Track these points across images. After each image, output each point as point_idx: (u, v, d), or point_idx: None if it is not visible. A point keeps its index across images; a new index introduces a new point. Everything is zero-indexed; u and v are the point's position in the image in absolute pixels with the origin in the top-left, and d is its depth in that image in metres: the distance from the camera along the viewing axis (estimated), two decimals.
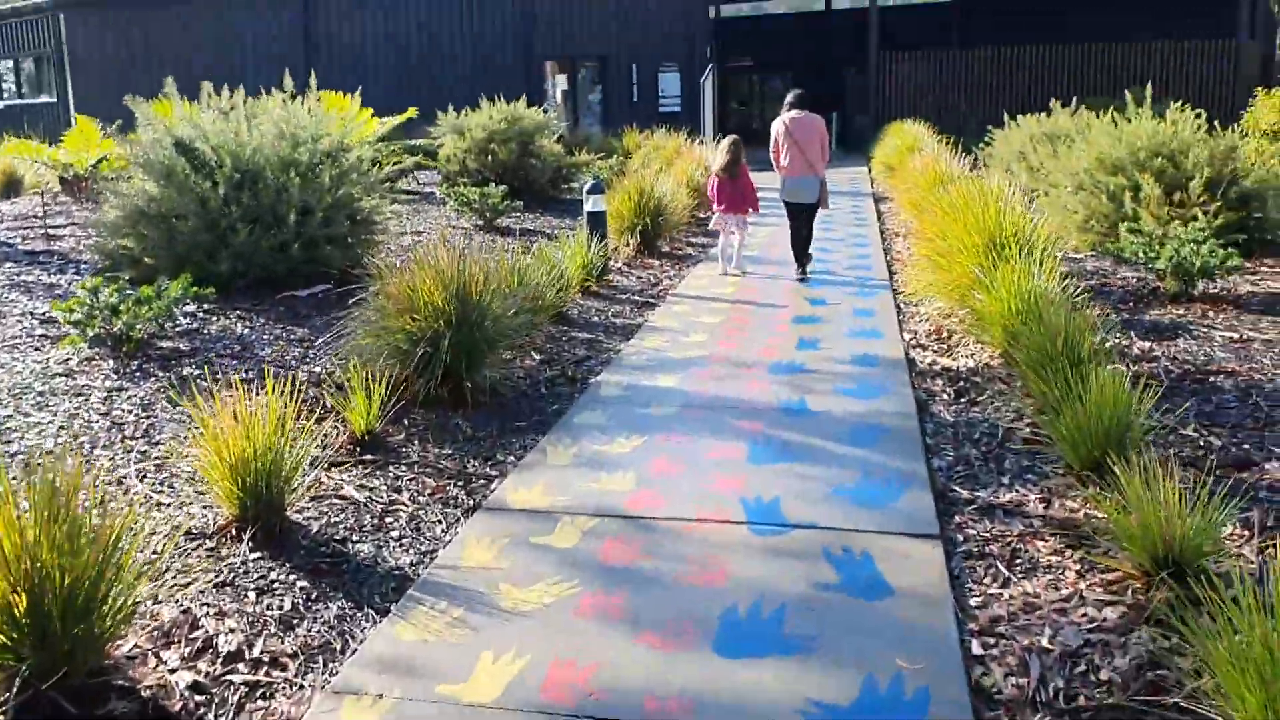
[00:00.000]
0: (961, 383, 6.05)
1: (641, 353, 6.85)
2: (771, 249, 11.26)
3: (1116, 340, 6.43)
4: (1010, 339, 6.10)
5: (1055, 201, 10.74)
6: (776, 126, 9.62)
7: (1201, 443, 4.80)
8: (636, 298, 8.77)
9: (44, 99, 25.70)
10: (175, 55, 25.46)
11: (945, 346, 6.92)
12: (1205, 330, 6.76)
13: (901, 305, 8.29)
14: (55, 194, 13.54)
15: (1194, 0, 33.62)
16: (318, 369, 6.07)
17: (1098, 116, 15.28)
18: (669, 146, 20.10)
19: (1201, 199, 9.43)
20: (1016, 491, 4.44)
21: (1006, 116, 16.20)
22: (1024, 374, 5.52)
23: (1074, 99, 28.70)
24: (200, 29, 25.86)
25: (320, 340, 6.48)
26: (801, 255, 9.63)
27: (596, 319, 7.91)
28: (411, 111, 15.35)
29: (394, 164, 14.23)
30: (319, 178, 8.38)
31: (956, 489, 4.48)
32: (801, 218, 9.60)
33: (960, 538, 4.02)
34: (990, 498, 4.38)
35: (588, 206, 9.08)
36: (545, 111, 28.18)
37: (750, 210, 9.91)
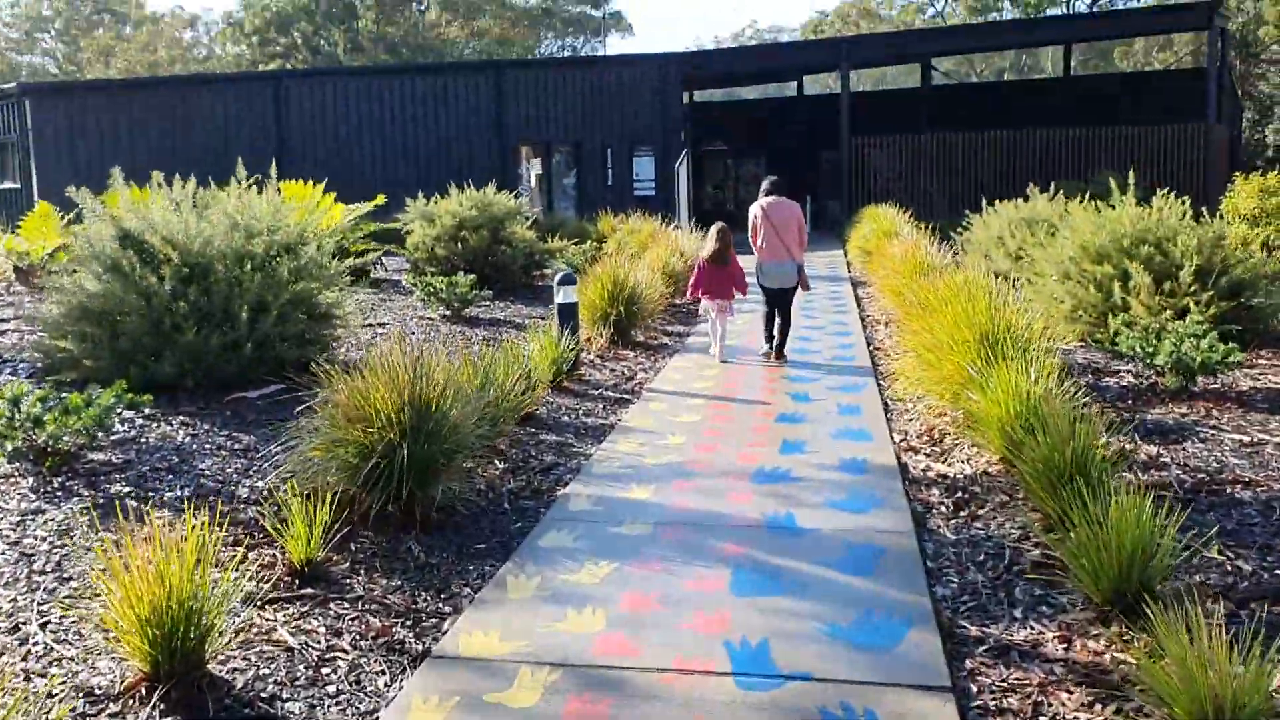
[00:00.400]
0: (960, 493, 5.61)
1: (614, 458, 6.39)
2: (752, 336, 10.89)
3: (1120, 444, 6.03)
4: (1011, 445, 5.69)
5: (1041, 290, 10.44)
6: (754, 211, 9.78)
7: (1229, 567, 4.36)
8: (610, 393, 8.33)
9: (8, 185, 25.29)
10: (143, 142, 25.20)
11: (939, 450, 6.50)
12: (1213, 432, 6.37)
13: (889, 401, 7.89)
14: (9, 284, 13.07)
15: (1162, 85, 34.22)
16: (261, 483, 5.58)
17: (1077, 201, 15.18)
18: (644, 231, 19.87)
19: (1192, 288, 9.14)
20: (1031, 628, 3.97)
21: (984, 201, 16.03)
22: (1028, 486, 5.10)
23: (1048, 183, 28.94)
24: (169, 115, 25.64)
25: (267, 450, 5.99)
26: (779, 338, 9.67)
27: (567, 418, 7.46)
28: (379, 199, 15.04)
29: (359, 253, 13.88)
30: (275, 272, 7.97)
31: (965, 625, 4.02)
32: (779, 302, 9.70)
33: (974, 688, 3.54)
34: (1004, 636, 3.92)
35: (558, 298, 8.68)
36: (518, 196, 28.13)
37: (738, 293, 9.87)
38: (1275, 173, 14.59)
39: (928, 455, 6.41)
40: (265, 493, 5.42)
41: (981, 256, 15.13)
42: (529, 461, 6.36)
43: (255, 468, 5.83)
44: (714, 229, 10.00)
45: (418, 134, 27.11)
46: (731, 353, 9.95)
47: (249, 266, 7.69)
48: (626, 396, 8.23)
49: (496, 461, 6.19)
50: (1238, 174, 15.71)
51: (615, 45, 62.80)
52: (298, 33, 63.36)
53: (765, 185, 9.98)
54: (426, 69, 27.67)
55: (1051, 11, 51.46)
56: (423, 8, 65.17)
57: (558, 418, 7.45)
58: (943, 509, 5.41)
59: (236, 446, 6.24)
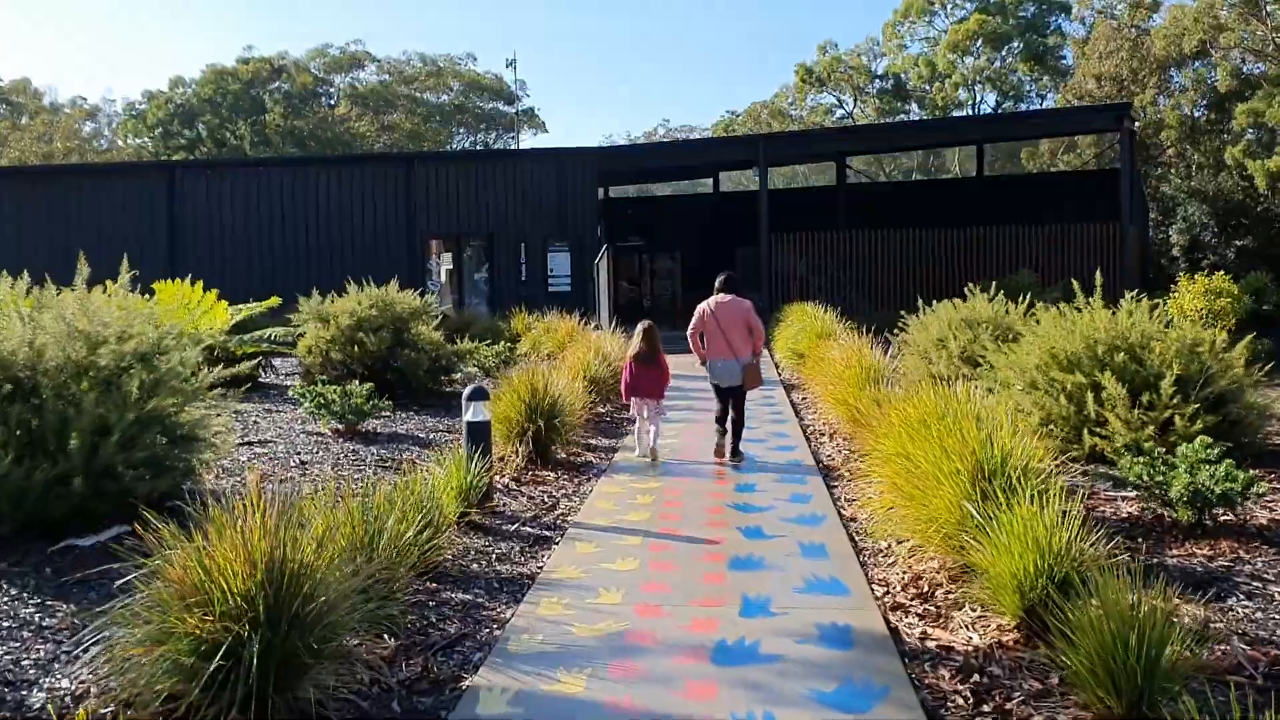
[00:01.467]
0: (977, 676, 4.44)
1: (535, 628, 5.10)
2: (687, 451, 9.73)
3: (1156, 602, 4.94)
4: (1032, 610, 4.58)
5: (1004, 401, 9.47)
6: (701, 309, 9.73)
7: None
8: (529, 529, 7.05)
9: None
10: (28, 236, 23.48)
11: (934, 609, 5.34)
12: (1256, 585, 5.33)
13: (856, 537, 6.74)
14: None
15: (1075, 186, 34.53)
16: (66, 683, 4.17)
17: (1002, 299, 14.48)
18: (561, 330, 18.78)
19: (1174, 400, 8.26)
20: None
21: (917, 299, 15.25)
22: (1077, 675, 3.96)
23: (968, 281, 28.66)
24: (55, 209, 24.00)
25: (88, 629, 4.58)
26: (731, 438, 9.53)
27: (477, 566, 6.15)
28: (273, 300, 13.68)
29: (243, 357, 12.48)
30: (124, 387, 6.59)
31: None
32: (728, 401, 9.64)
33: None
34: None
35: (468, 415, 7.42)
36: (428, 292, 26.89)
37: (660, 396, 9.79)
38: (1220, 273, 14.08)
39: (921, 617, 5.24)
40: (68, 700, 4.02)
41: (921, 359, 14.27)
42: (428, 633, 5.04)
43: (63, 657, 4.42)
44: (640, 328, 9.92)
45: (324, 229, 25.80)
46: (667, 468, 8.78)
47: (85, 383, 6.31)
48: (548, 534, 6.95)
49: (386, 636, 4.85)
50: (1183, 275, 15.17)
51: (528, 142, 62.60)
52: (203, 125, 61.84)
53: (719, 282, 9.86)
54: (333, 161, 26.54)
55: (960, 114, 52.54)
56: (332, 102, 64.24)
57: (466, 566, 6.14)
58: (960, 702, 4.22)
59: (47, 622, 4.82)
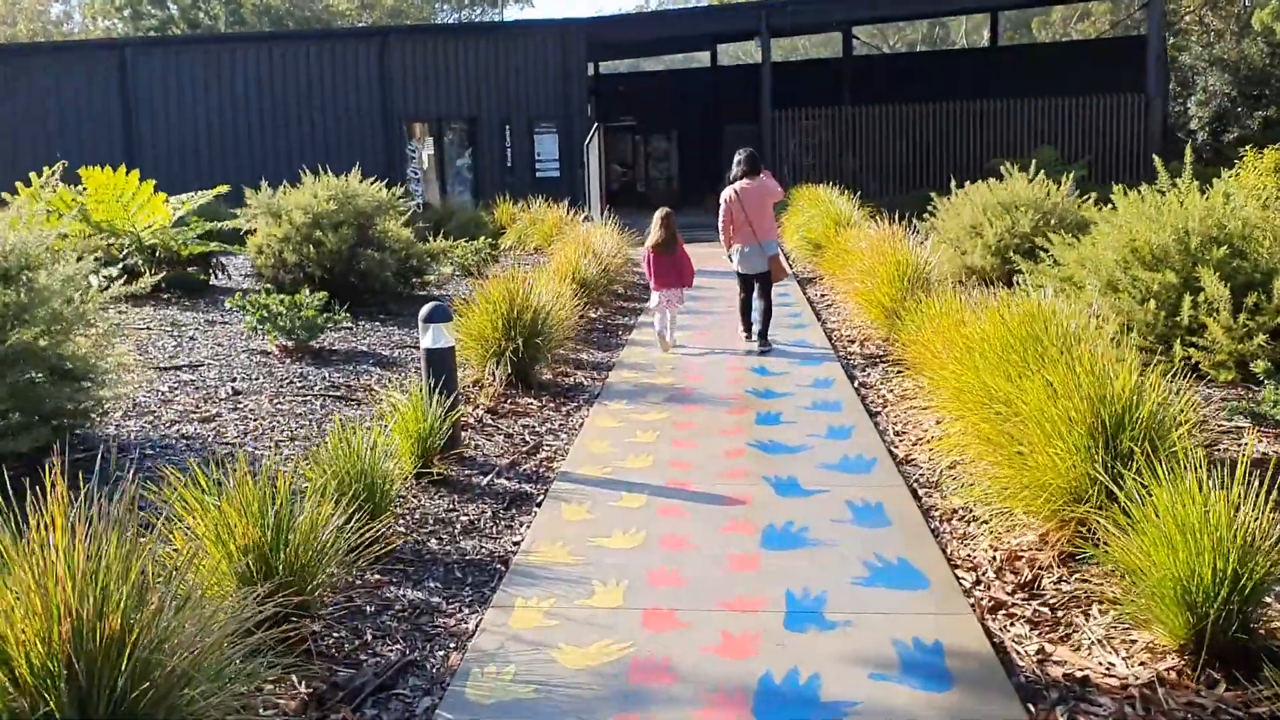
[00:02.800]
0: None
1: (506, 653, 3.70)
2: (693, 369, 8.29)
3: None
4: (1201, 631, 3.20)
5: (1078, 304, 7.99)
6: (727, 197, 9.22)
7: None
8: (505, 481, 5.63)
9: None
10: None
11: (1046, 610, 3.94)
12: None
13: (919, 490, 5.33)
14: None
15: (1094, 56, 32.44)
16: None
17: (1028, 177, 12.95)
18: (548, 221, 17.18)
19: None
20: None
21: (953, 183, 13.64)
22: None
23: (984, 158, 26.88)
24: (5, 93, 22.09)
25: None
26: (761, 323, 9.24)
27: (435, 543, 4.74)
28: (220, 188, 12.02)
29: (191, 258, 10.95)
30: None
31: None
32: (753, 289, 9.37)
33: None
34: None
35: (426, 341, 5.92)
36: (407, 181, 25.12)
37: (687, 284, 9.61)
38: None
39: (1033, 624, 3.84)
40: None
41: (952, 248, 12.75)
42: (359, 662, 3.64)
43: None
44: (658, 215, 9.57)
45: (292, 112, 23.85)
46: (674, 393, 7.35)
47: None
48: (528, 489, 5.52)
49: (295, 678, 3.45)
50: (1248, 150, 13.54)
51: (514, 16, 59.66)
52: (174, 5, 58.73)
53: (740, 165, 9.32)
54: (300, 36, 24.43)
55: None
56: None
57: (421, 541, 4.73)
58: None
59: None
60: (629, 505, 5.17)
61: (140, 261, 11.36)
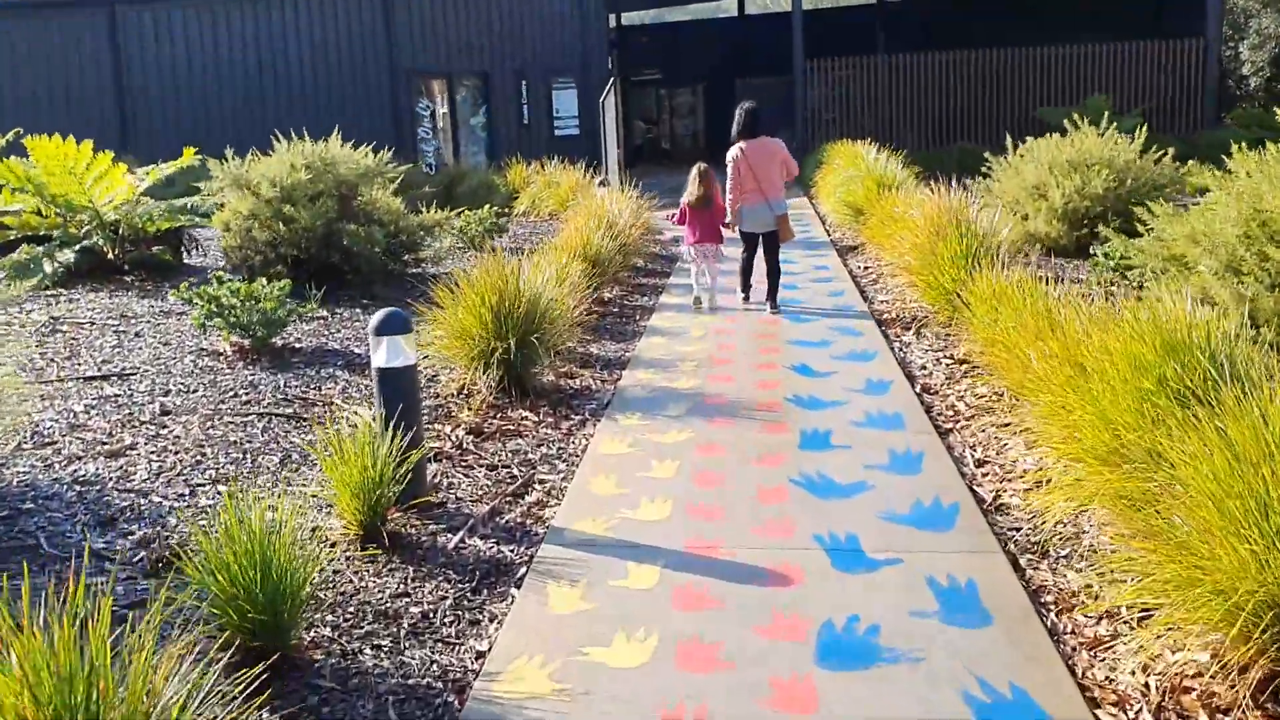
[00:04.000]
0: None
1: None
2: (729, 382, 6.96)
3: None
4: None
5: (1178, 285, 6.61)
6: (734, 157, 8.95)
7: None
8: (478, 545, 4.35)
9: None
10: None
11: None
12: None
13: (1023, 560, 4.02)
14: None
15: None
16: None
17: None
18: (564, 185, 15.85)
19: None
20: None
21: (1009, 140, 12.16)
22: None
23: (1031, 108, 25.20)
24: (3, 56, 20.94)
25: None
26: (770, 284, 8.96)
27: (369, 655, 3.47)
28: (188, 154, 10.74)
29: (159, 234, 9.73)
30: None
31: None
32: (756, 248, 9.11)
33: None
34: None
35: (377, 359, 4.63)
36: (419, 140, 23.75)
37: (723, 241, 9.35)
38: None
39: None
40: None
41: (1015, 215, 11.33)
42: None
43: None
44: (695, 170, 9.37)
45: (293, 70, 22.52)
46: (699, 407, 6.03)
47: None
48: (507, 554, 4.24)
49: None
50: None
51: None
52: None
53: (741, 122, 8.99)
54: None
55: None
56: None
57: (350, 656, 3.47)
58: None
59: None
60: (637, 585, 3.89)
61: (101, 240, 10.15)
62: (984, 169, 12.31)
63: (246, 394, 6.18)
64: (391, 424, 4.44)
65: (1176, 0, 27.99)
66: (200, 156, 10.73)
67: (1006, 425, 5.50)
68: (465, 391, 6.36)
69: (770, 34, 30.19)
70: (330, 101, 22.73)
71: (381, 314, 4.60)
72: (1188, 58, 25.23)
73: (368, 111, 23.24)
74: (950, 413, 5.95)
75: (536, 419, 6.01)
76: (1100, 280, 9.03)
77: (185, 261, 10.99)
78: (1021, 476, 4.83)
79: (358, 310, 8.62)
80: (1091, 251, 9.52)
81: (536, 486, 4.99)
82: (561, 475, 5.12)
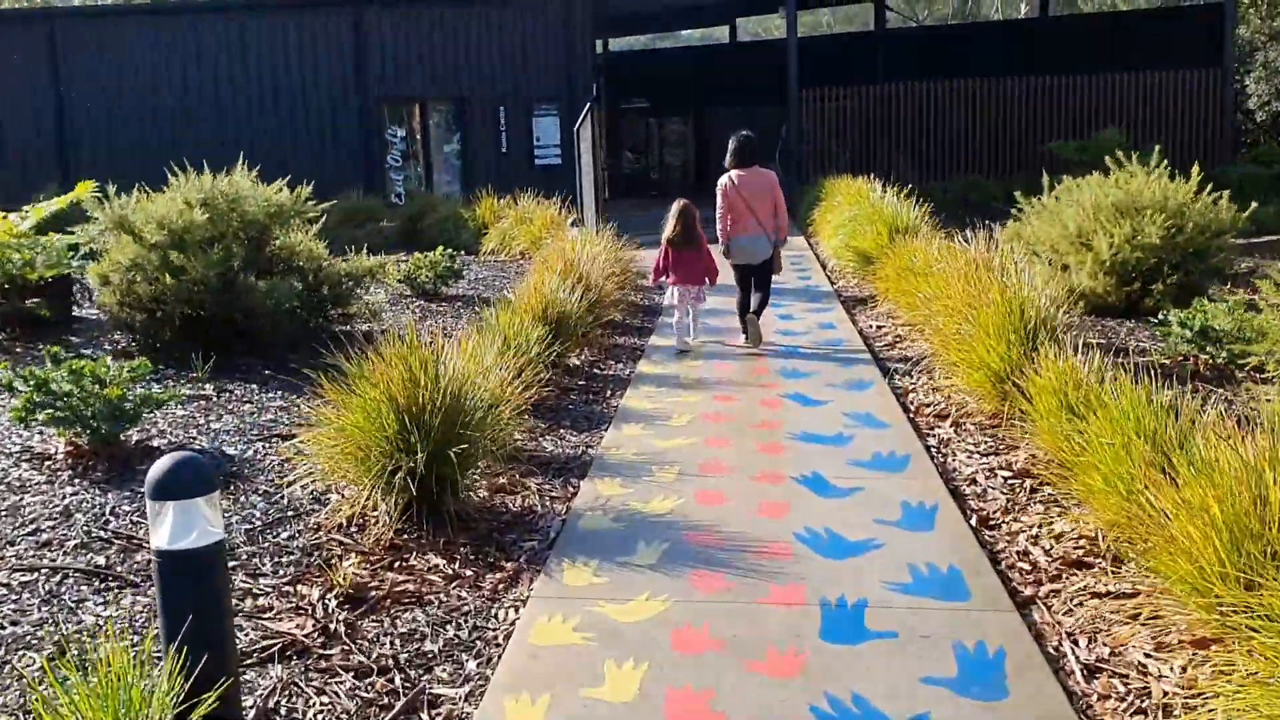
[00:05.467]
0: None
1: None
2: (719, 502, 5.26)
3: None
4: None
5: None
6: (723, 186, 8.69)
7: None
8: None
9: None
10: None
11: None
12: None
13: None
14: None
15: (1159, 27, 29.10)
16: None
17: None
18: (537, 220, 14.21)
19: None
20: None
21: (1046, 180, 10.57)
22: None
23: (1039, 141, 23.72)
24: None
25: None
26: (755, 306, 8.69)
27: None
28: (82, 188, 9.05)
29: (40, 283, 8.06)
30: None
31: None
32: (751, 281, 8.77)
33: None
34: None
35: (159, 538, 2.90)
36: (388, 169, 22.14)
37: (708, 282, 8.88)
38: None
39: None
40: None
41: (1052, 266, 9.73)
42: None
43: None
44: (676, 207, 8.86)
45: (254, 96, 20.93)
46: (672, 553, 4.32)
47: None
48: None
49: None
50: None
51: None
52: None
53: (734, 151, 8.71)
54: (261, 5, 21.39)
55: None
56: None
57: None
58: None
59: None
60: None
61: None
62: (994, 204, 10.70)
63: (51, 529, 4.47)
64: (177, 643, 2.74)
65: (1190, 29, 26.66)
66: (100, 192, 9.04)
67: (1120, 602, 3.82)
68: (357, 523, 4.66)
69: (764, 62, 28.71)
70: (294, 126, 21.18)
71: (166, 463, 2.88)
72: (1203, 89, 23.82)
73: (334, 138, 21.70)
74: (1027, 567, 4.27)
75: (451, 571, 4.31)
76: (1173, 354, 7.40)
77: (77, 314, 9.29)
78: (1166, 710, 3.15)
79: (254, 387, 6.91)
80: (1160, 316, 7.89)
81: (424, 716, 3.28)
82: (469, 688, 3.42)
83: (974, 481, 5.30)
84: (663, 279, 8.88)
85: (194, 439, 5.73)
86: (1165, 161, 10.04)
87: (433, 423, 4.65)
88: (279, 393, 6.74)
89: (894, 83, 24.64)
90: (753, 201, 8.50)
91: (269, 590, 4.04)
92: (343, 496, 4.89)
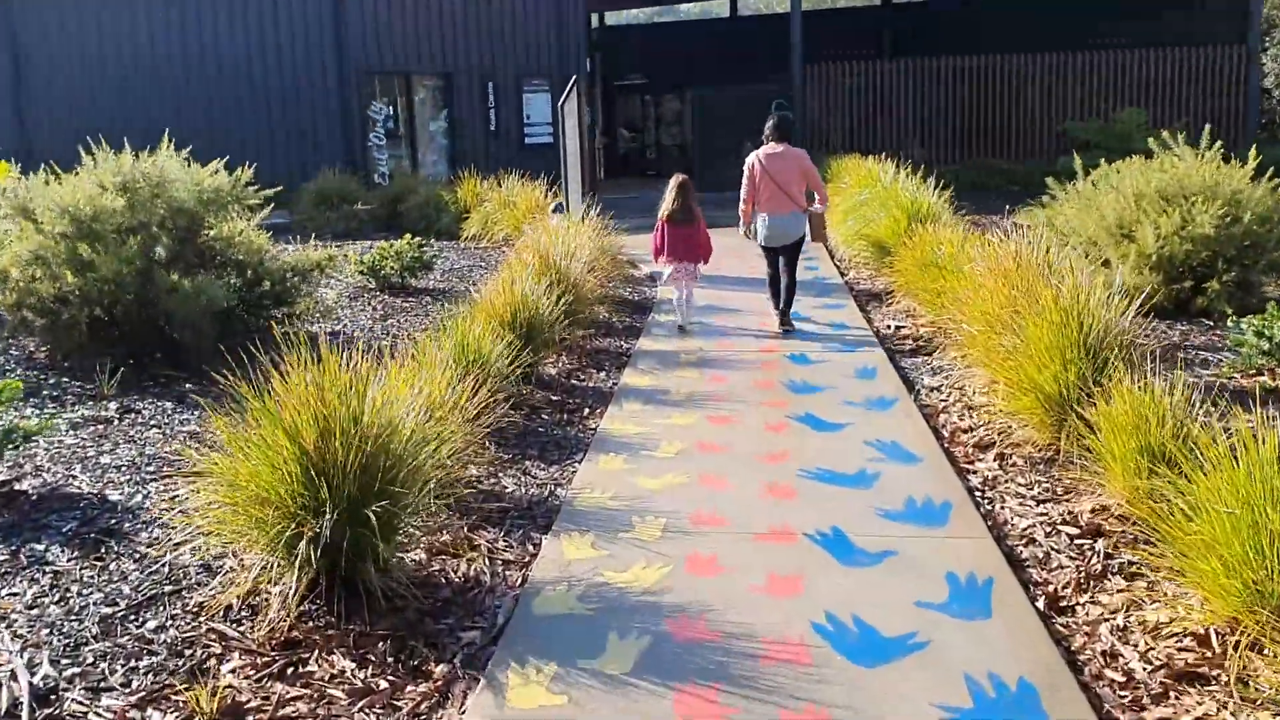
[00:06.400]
0: None
1: None
2: (710, 586, 4.21)
3: None
4: None
5: None
6: (751, 164, 8.33)
7: None
8: None
9: None
10: None
11: None
12: None
13: None
14: None
15: (1172, 2, 27.83)
16: None
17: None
18: (521, 204, 13.14)
19: None
20: None
21: (1078, 166, 9.51)
22: None
23: (1052, 120, 22.62)
24: None
25: None
26: (785, 299, 8.30)
27: None
28: (1, 170, 7.96)
29: None
30: None
31: None
32: (781, 262, 8.34)
33: None
34: None
35: None
36: (370, 148, 21.04)
37: (703, 260, 8.52)
38: None
39: None
40: None
41: (1089, 259, 8.66)
42: None
43: None
44: (673, 182, 8.56)
45: (223, 65, 19.77)
46: (649, 661, 3.30)
47: None
48: None
49: None
50: None
51: None
52: None
53: (770, 128, 8.42)
54: None
55: None
56: None
57: None
58: None
59: None
60: None
61: None
62: (1009, 187, 9.66)
63: None
64: None
65: (1213, 4, 25.48)
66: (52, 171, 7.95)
67: None
68: (251, 603, 3.63)
69: (765, 37, 27.54)
70: (270, 103, 20.06)
71: None
72: (1227, 67, 22.71)
73: (313, 115, 20.56)
74: (1119, 679, 3.23)
75: (360, 681, 3.26)
76: (1246, 368, 6.36)
77: None
78: None
79: (169, 405, 5.87)
80: (1217, 319, 6.85)
81: None
82: None
83: (1032, 540, 4.26)
84: (661, 260, 8.52)
85: (69, 480, 4.68)
86: (1218, 144, 9.00)
87: (349, 474, 3.61)
88: (195, 414, 5.69)
89: (904, 59, 23.52)
90: (784, 180, 8.16)
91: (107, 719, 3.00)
92: (241, 564, 3.85)
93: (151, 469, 4.86)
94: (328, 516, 3.52)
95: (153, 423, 5.55)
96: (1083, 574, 3.92)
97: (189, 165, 7.24)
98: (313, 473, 3.60)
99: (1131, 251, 8.41)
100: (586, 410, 6.25)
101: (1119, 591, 3.77)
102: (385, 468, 3.74)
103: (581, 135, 10.70)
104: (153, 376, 6.30)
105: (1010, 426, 5.50)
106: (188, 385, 6.19)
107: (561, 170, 11.64)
